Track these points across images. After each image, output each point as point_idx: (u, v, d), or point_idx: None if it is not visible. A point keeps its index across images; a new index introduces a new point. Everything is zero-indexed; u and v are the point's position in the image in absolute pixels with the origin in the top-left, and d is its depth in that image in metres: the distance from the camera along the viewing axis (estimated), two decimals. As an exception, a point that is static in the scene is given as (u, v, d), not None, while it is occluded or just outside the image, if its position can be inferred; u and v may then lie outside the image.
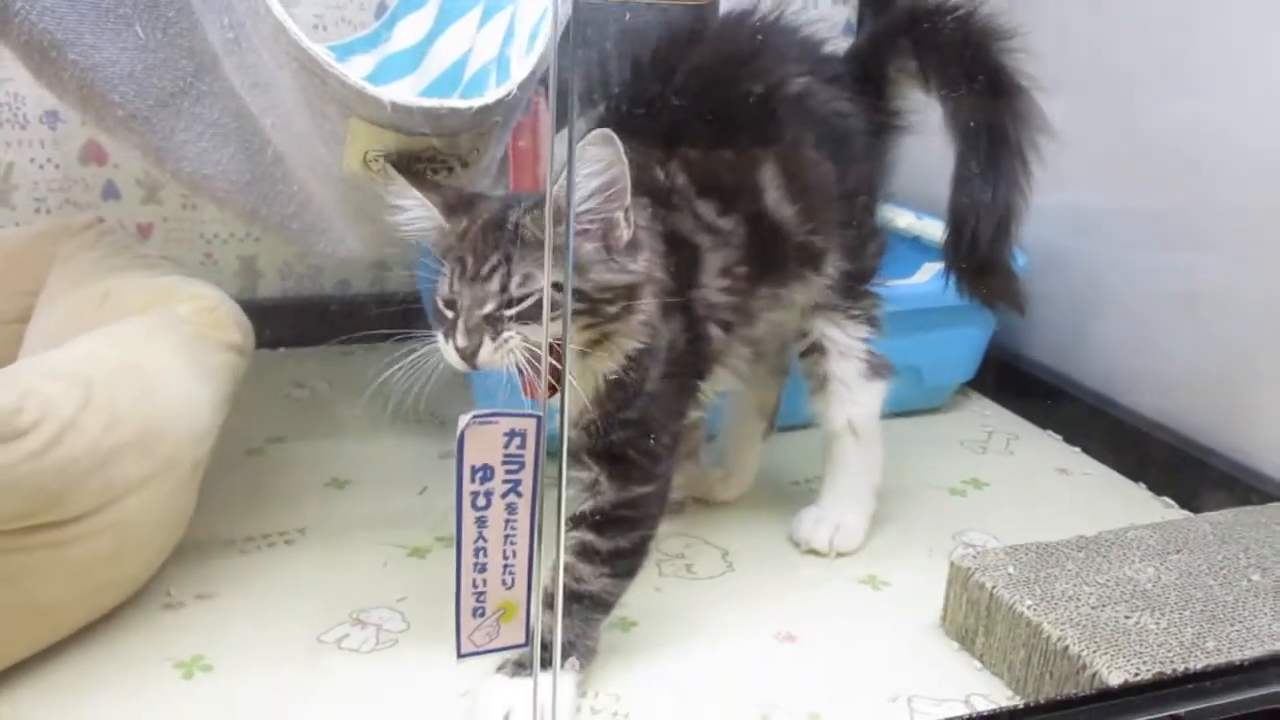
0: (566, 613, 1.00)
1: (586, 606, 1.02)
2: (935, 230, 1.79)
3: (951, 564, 1.16)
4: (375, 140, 1.02)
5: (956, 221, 1.26)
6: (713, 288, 1.11)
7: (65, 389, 0.93)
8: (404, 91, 1.02)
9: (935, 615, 1.18)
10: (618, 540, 1.03)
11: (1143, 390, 1.59)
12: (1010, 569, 1.13)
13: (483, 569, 0.73)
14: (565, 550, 0.98)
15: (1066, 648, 1.01)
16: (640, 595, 1.19)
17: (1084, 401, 1.65)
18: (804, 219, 1.18)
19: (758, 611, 1.19)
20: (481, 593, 0.74)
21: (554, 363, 0.87)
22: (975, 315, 1.66)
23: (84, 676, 1.02)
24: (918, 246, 1.81)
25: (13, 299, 1.37)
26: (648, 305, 0.99)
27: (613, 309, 0.98)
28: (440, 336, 0.96)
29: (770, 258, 1.16)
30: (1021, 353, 1.80)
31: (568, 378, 0.94)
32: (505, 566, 0.73)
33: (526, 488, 0.72)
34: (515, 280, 0.94)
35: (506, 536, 0.73)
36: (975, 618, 1.12)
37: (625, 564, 1.04)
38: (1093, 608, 1.07)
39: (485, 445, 0.69)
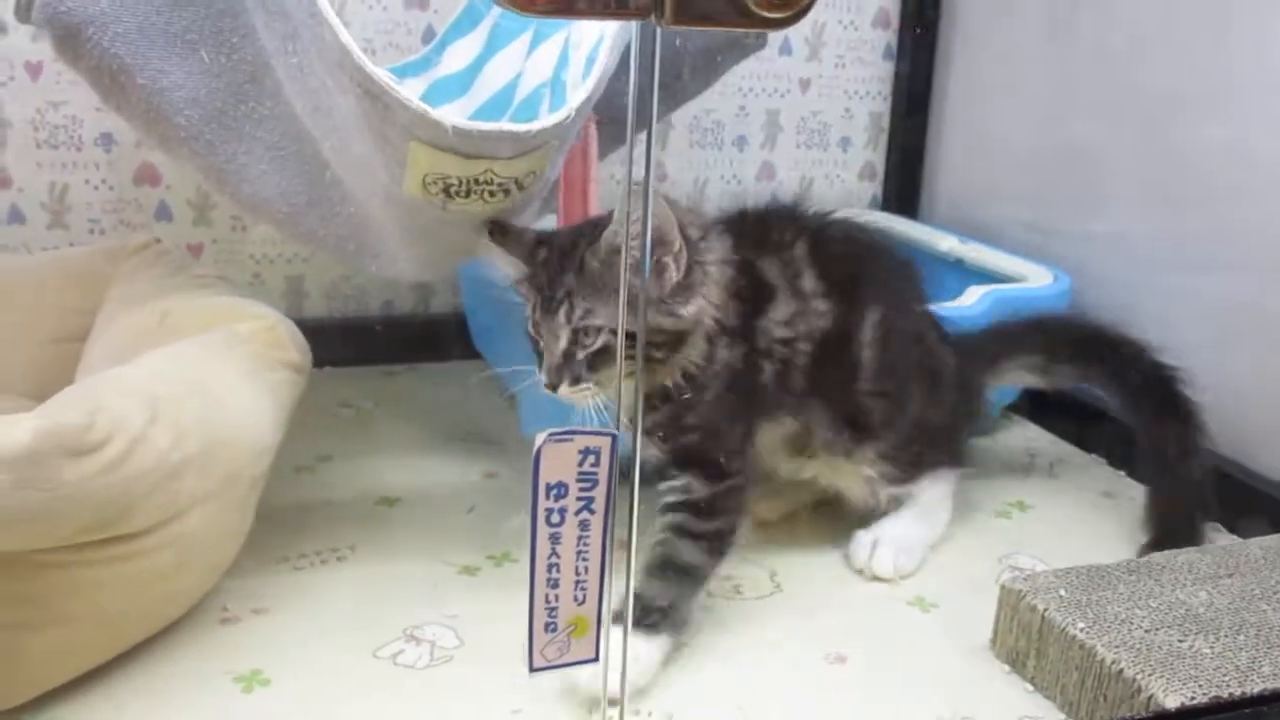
0: (664, 579, 1.12)
1: (681, 575, 1.13)
2: (978, 255, 1.81)
3: (1002, 587, 1.16)
4: (435, 164, 1.04)
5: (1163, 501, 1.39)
6: (776, 341, 1.20)
7: (134, 405, 0.95)
8: (455, 115, 1.04)
9: (985, 638, 1.18)
10: (710, 523, 1.15)
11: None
12: (1062, 591, 1.13)
13: (555, 584, 0.74)
14: (663, 529, 1.15)
15: (1121, 671, 1.01)
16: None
17: (1125, 424, 1.64)
18: (878, 376, 1.28)
19: (807, 632, 1.19)
20: (554, 608, 0.75)
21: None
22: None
23: (146, 689, 1.04)
24: (960, 270, 1.82)
25: (70, 318, 1.40)
26: (693, 351, 1.12)
27: (659, 354, 1.09)
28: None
29: (827, 375, 1.24)
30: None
31: (639, 419, 1.04)
32: (577, 583, 0.74)
33: (600, 505, 0.73)
34: (578, 314, 1.07)
35: (579, 553, 0.74)
36: (1027, 640, 1.12)
37: (717, 544, 1.16)
38: (1146, 631, 1.07)
39: (560, 462, 0.70)
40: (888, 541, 1.32)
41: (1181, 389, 1.40)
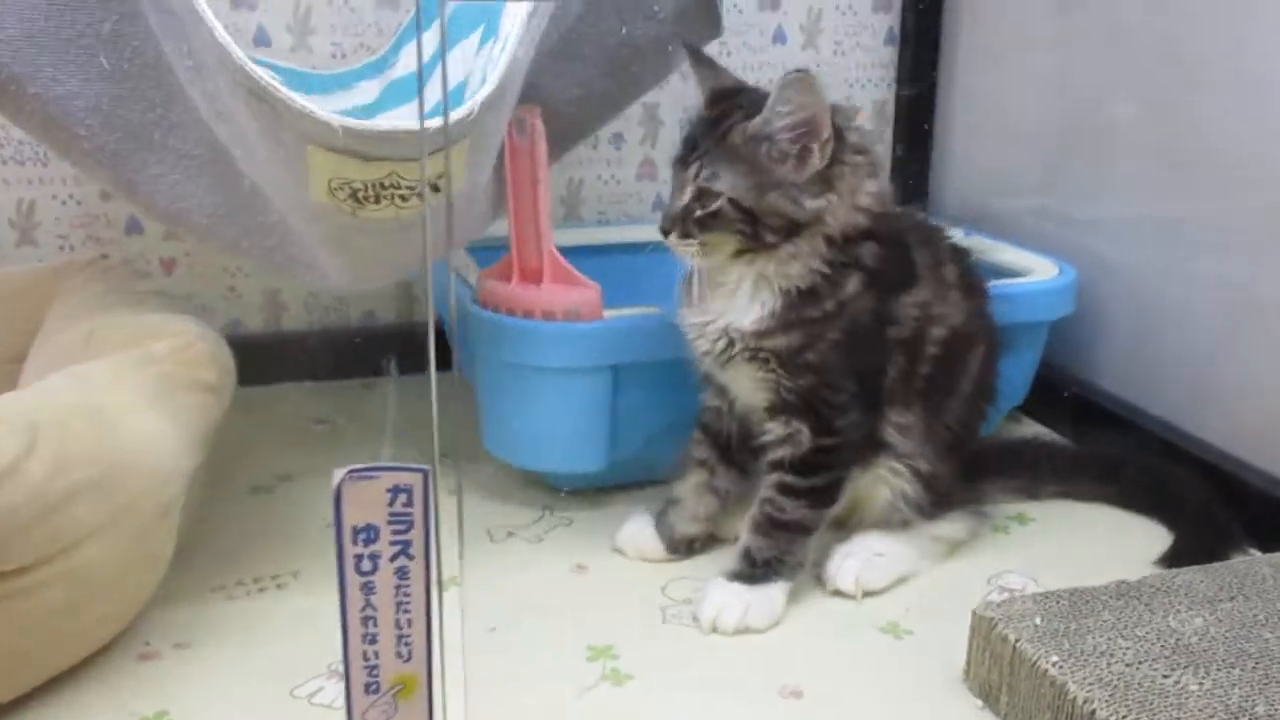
0: (770, 536, 1.16)
1: (790, 530, 1.16)
2: (980, 249, 1.69)
3: (974, 613, 1.06)
4: (336, 168, 0.97)
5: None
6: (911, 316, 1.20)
7: (5, 434, 0.89)
8: (402, 117, 0.97)
9: (960, 668, 1.08)
10: (813, 480, 1.17)
11: (1208, 415, 1.47)
12: (1038, 620, 1.02)
13: (373, 640, 0.66)
14: (768, 486, 1.18)
15: (1093, 711, 0.91)
16: (638, 645, 1.12)
17: (1141, 427, 1.52)
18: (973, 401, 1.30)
19: (764, 663, 1.10)
20: (374, 666, 0.67)
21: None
22: (1021, 335, 1.55)
23: (42, 732, 0.98)
24: (965, 265, 1.71)
25: (12, 337, 1.35)
26: (805, 248, 1.12)
27: (771, 236, 1.11)
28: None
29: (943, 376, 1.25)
30: (1076, 374, 1.68)
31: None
32: (400, 637, 0.66)
33: (418, 549, 0.65)
34: (704, 174, 1.11)
35: (399, 604, 0.66)
36: (999, 673, 1.02)
37: (821, 497, 1.18)
38: (1127, 665, 0.96)
39: (367, 503, 0.63)
40: (859, 553, 1.22)
41: (1183, 485, 1.38)
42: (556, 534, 1.36)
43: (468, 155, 1.01)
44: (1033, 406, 1.69)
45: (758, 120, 1.09)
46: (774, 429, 1.18)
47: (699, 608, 1.16)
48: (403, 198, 1.01)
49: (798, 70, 1.08)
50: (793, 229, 1.11)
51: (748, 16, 1.90)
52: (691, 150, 1.13)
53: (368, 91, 1.45)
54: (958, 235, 1.74)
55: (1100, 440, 1.58)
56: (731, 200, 1.10)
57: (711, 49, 1.85)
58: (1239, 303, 1.41)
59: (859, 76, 1.99)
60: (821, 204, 1.12)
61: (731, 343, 1.16)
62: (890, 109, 2.01)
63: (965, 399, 1.26)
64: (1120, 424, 1.56)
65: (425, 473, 0.63)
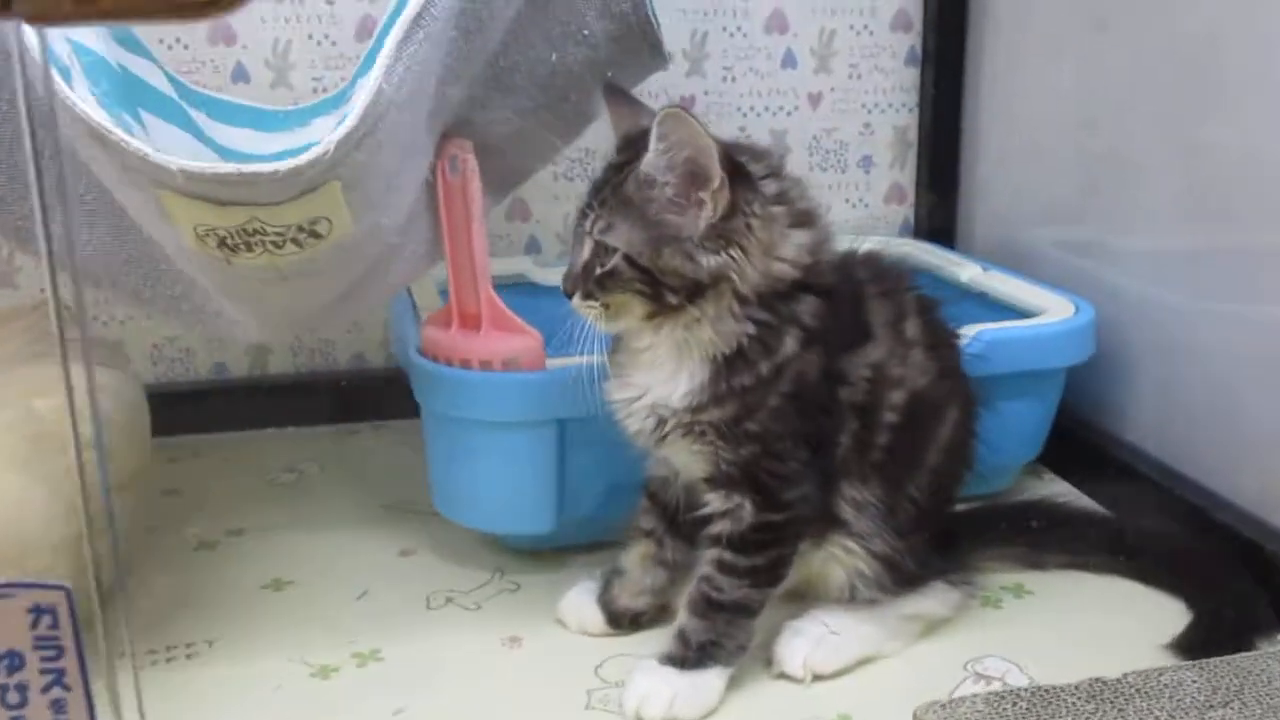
0: (707, 617, 1.04)
1: (729, 612, 1.04)
2: (1004, 286, 1.54)
3: (914, 716, 0.92)
4: (195, 214, 0.90)
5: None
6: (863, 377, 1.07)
7: None
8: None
9: (908, 774, 0.94)
10: (755, 558, 1.04)
11: (1242, 476, 1.30)
12: (984, 726, 0.89)
13: (33, 783, 0.57)
14: (706, 563, 1.05)
15: (1027, 846, 0.77)
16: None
17: (1166, 487, 1.36)
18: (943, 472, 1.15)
19: (686, 763, 0.98)
20: (39, 813, 0.58)
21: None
22: (1033, 384, 1.40)
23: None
24: (984, 304, 1.57)
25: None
26: (710, 310, 1.00)
27: (673, 298, 0.99)
28: None
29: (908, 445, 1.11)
30: (1100, 425, 1.52)
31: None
32: (65, 779, 0.57)
33: (75, 679, 0.55)
34: (598, 227, 1.01)
35: (62, 741, 0.57)
36: (940, 787, 0.88)
37: (764, 576, 1.05)
38: (1080, 787, 0.82)
39: (6, 626, 0.53)
40: (810, 631, 1.10)
41: (1209, 557, 1.24)
42: (499, 601, 1.26)
43: (346, 196, 0.92)
44: (1054, 460, 1.54)
45: (644, 163, 0.98)
46: (714, 501, 1.06)
47: (624, 694, 1.05)
48: (275, 244, 0.93)
49: (670, 106, 0.97)
50: (695, 289, 0.99)
51: (753, 40, 1.79)
52: (590, 201, 1.03)
53: (323, 128, 1.38)
54: (976, 270, 1.62)
55: (1122, 501, 1.42)
56: (626, 257, 0.99)
57: (714, 75, 1.80)
58: (1267, 348, 1.24)
59: (878, 101, 1.85)
60: (721, 261, 0.99)
61: (662, 420, 1.04)
62: (913, 134, 1.87)
63: (935, 470, 1.12)
64: (1144, 483, 1.39)
65: (66, 591, 0.53)
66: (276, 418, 1.76)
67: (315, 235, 0.94)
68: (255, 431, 1.75)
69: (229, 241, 0.92)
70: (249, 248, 0.93)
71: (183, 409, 1.73)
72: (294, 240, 0.93)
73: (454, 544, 1.36)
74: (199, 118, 1.33)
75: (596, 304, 1.01)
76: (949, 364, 1.14)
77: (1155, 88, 1.41)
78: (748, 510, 1.03)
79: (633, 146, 1.02)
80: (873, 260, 1.16)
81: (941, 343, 1.14)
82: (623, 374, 1.07)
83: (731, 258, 0.98)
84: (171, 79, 1.33)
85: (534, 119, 1.19)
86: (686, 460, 1.07)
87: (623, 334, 1.05)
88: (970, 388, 1.17)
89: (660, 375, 1.03)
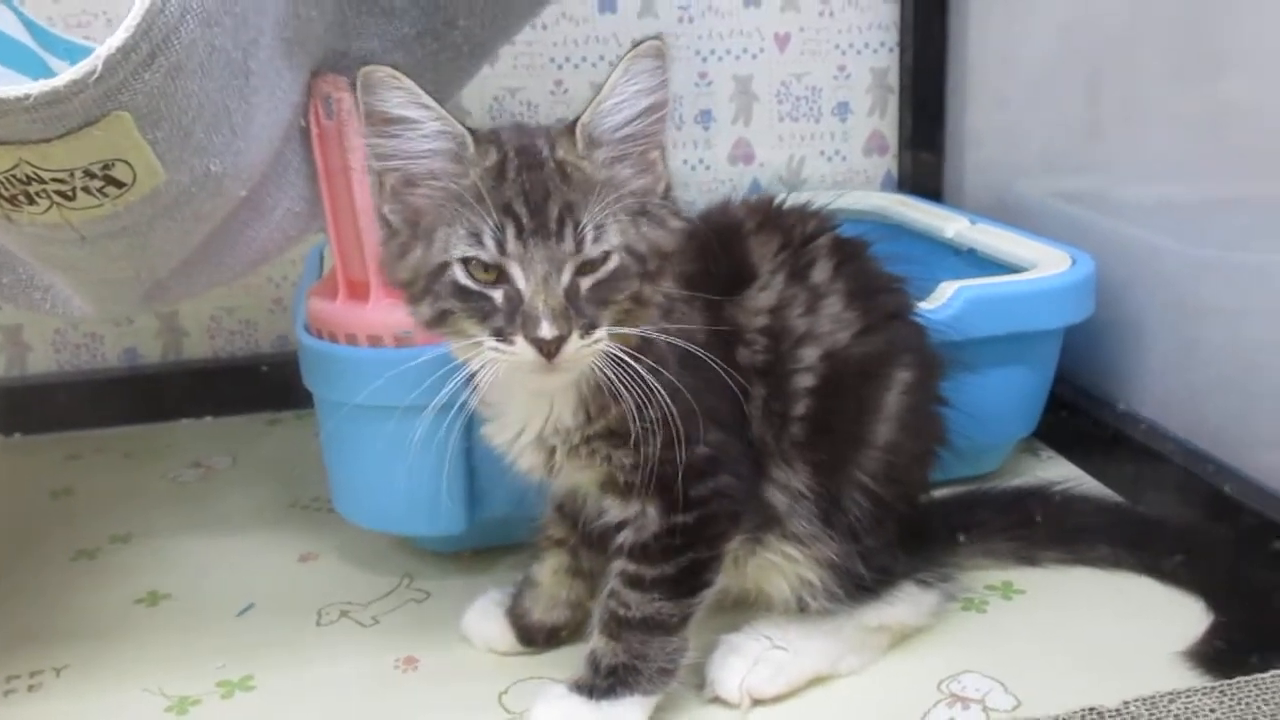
0: (618, 638, 0.87)
1: (642, 630, 0.87)
2: (994, 240, 1.36)
3: (860, 758, 0.74)
4: (-52, 158, 0.72)
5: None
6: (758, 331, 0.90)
7: None
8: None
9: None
10: (662, 567, 0.87)
11: (1266, 453, 1.11)
12: (946, 774, 0.70)
13: None
14: (613, 576, 0.88)
15: None
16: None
17: (1180, 465, 1.17)
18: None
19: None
20: None
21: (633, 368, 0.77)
22: (1024, 348, 1.21)
23: None
24: (974, 263, 1.38)
25: None
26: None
27: (655, 265, 0.80)
28: (488, 334, 0.78)
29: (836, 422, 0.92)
30: (1105, 396, 1.33)
31: None
32: None
33: None
34: (590, 236, 0.77)
35: None
36: None
37: (676, 587, 0.87)
38: None
39: None
40: (748, 649, 0.92)
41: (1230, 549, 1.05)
42: (401, 613, 1.09)
43: (145, 133, 0.74)
44: (1054, 437, 1.35)
45: (584, 119, 0.79)
46: (614, 509, 0.88)
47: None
48: (63, 195, 0.75)
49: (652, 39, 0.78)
50: (664, 259, 0.82)
51: (711, -26, 1.60)
52: (540, 214, 0.77)
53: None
54: (962, 224, 1.42)
55: (1132, 483, 1.23)
56: (628, 249, 0.79)
57: (668, 15, 1.61)
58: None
59: (853, 41, 1.66)
60: (681, 226, 0.83)
61: (553, 450, 0.87)
62: (893, 77, 1.68)
63: (887, 448, 0.93)
64: (1158, 461, 1.20)
65: None
66: (192, 407, 1.60)
67: (114, 184, 0.77)
68: (168, 423, 1.58)
69: (3, 191, 0.74)
70: (29, 199, 0.75)
71: (88, 400, 1.57)
72: (85, 190, 0.76)
73: (361, 547, 1.19)
74: (60, 67, 1.16)
75: (603, 336, 0.78)
76: (882, 316, 0.94)
77: (1165, 21, 1.21)
78: (651, 516, 0.86)
79: (490, 151, 0.80)
80: (760, 202, 0.98)
81: (870, 291, 0.94)
82: (499, 413, 0.89)
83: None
84: (30, 26, 1.16)
85: (420, 49, 1.01)
86: (583, 480, 0.90)
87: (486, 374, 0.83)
88: (925, 345, 0.98)
89: (540, 399, 0.85)
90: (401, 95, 0.77)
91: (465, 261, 0.77)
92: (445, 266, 0.78)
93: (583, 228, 0.77)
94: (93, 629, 1.08)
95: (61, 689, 0.99)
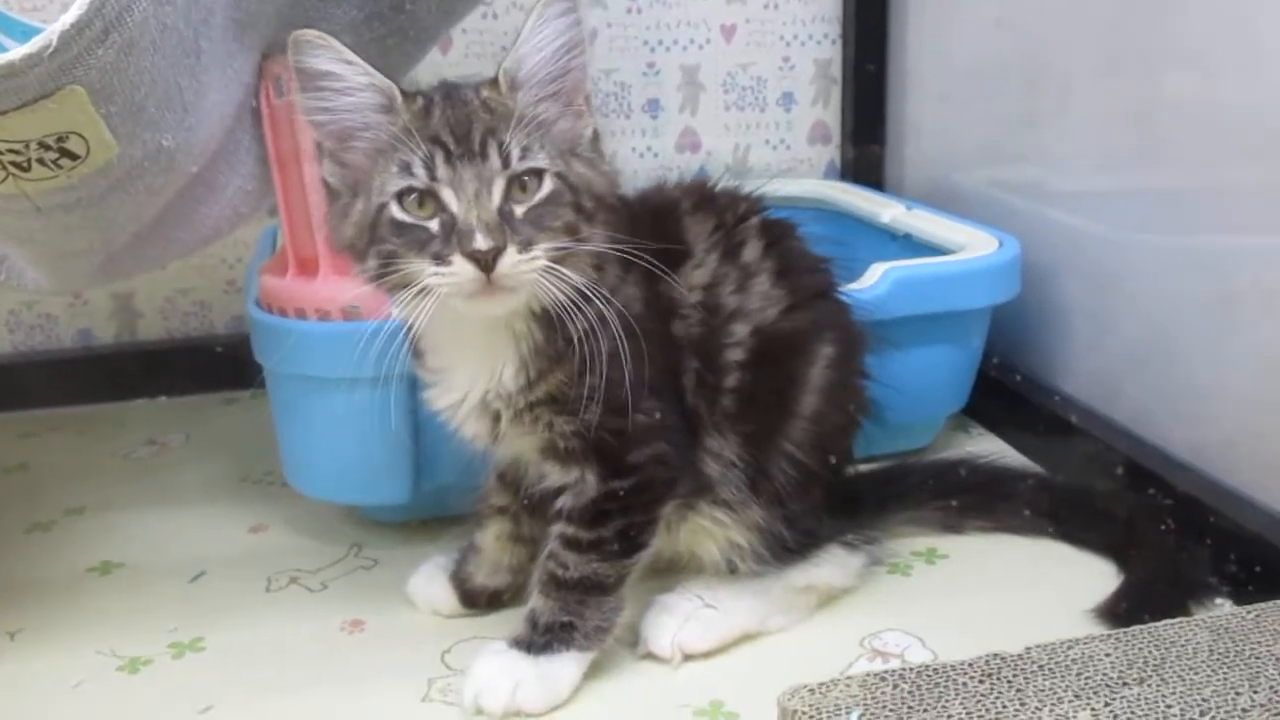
0: (554, 597, 0.91)
1: (579, 590, 0.91)
2: (927, 225, 1.41)
3: (778, 704, 0.79)
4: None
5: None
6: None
7: None
8: None
9: (779, 770, 0.81)
10: (600, 530, 0.90)
11: (1178, 426, 1.17)
12: (856, 714, 0.75)
13: None
14: (553, 538, 0.92)
15: None
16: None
17: (1099, 438, 1.22)
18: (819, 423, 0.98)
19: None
20: None
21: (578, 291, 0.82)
22: (952, 327, 1.26)
23: None
24: (909, 247, 1.43)
25: None
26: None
27: (586, 229, 0.84)
28: (428, 261, 0.80)
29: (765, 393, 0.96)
30: (1031, 374, 1.38)
31: None
32: None
33: None
34: (515, 153, 0.81)
35: None
36: (806, 786, 0.75)
37: (612, 549, 0.91)
38: (960, 785, 0.68)
39: None
40: (680, 607, 0.96)
41: (1141, 515, 1.10)
42: (350, 580, 1.12)
43: (99, 107, 0.78)
44: (983, 413, 1.41)
45: (507, 62, 0.84)
46: (554, 474, 0.92)
47: (463, 682, 0.91)
48: (19, 166, 0.78)
49: None
50: (600, 202, 0.86)
51: (659, -35, 1.65)
52: (465, 140, 0.81)
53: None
54: (899, 209, 1.48)
55: (1055, 455, 1.29)
56: (560, 176, 0.83)
57: (617, 5, 1.65)
58: (1218, 289, 1.11)
59: (797, 32, 1.71)
60: (612, 173, 0.89)
61: (497, 415, 0.90)
62: (836, 68, 1.73)
63: (812, 419, 0.98)
64: (1077, 435, 1.26)
65: None
66: (147, 387, 1.62)
67: (68, 155, 0.80)
68: (123, 403, 1.61)
69: (-46, 163, 0.77)
70: (-15, 169, 0.78)
71: (43, 380, 1.59)
72: (40, 161, 0.79)
73: (311, 519, 1.23)
74: (12, 45, 1.18)
75: (540, 254, 0.80)
76: (807, 294, 0.99)
77: (1097, 19, 1.26)
78: (590, 482, 0.90)
79: (417, 100, 0.85)
80: (694, 184, 1.02)
81: (797, 270, 0.99)
82: (441, 378, 0.92)
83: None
84: (-15, 7, 1.18)
85: (367, 32, 1.05)
86: (524, 447, 0.93)
87: (430, 328, 0.88)
88: (848, 322, 1.03)
89: (484, 360, 0.88)
90: (328, 53, 0.82)
91: (400, 197, 0.81)
92: (383, 208, 0.82)
93: (507, 146, 0.81)
94: (47, 596, 1.10)
95: (15, 651, 1.02)
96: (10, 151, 0.77)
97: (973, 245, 1.30)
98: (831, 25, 1.71)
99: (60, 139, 0.78)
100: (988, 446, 1.36)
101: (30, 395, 1.58)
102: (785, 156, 1.75)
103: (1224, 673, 0.78)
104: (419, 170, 0.80)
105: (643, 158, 1.71)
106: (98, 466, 1.40)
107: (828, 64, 1.73)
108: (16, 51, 0.71)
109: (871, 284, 1.20)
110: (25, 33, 1.20)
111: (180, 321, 1.65)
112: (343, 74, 0.83)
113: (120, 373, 1.62)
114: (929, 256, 1.33)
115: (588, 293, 0.84)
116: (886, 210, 1.49)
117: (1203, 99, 1.12)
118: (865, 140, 1.72)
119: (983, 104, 1.53)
